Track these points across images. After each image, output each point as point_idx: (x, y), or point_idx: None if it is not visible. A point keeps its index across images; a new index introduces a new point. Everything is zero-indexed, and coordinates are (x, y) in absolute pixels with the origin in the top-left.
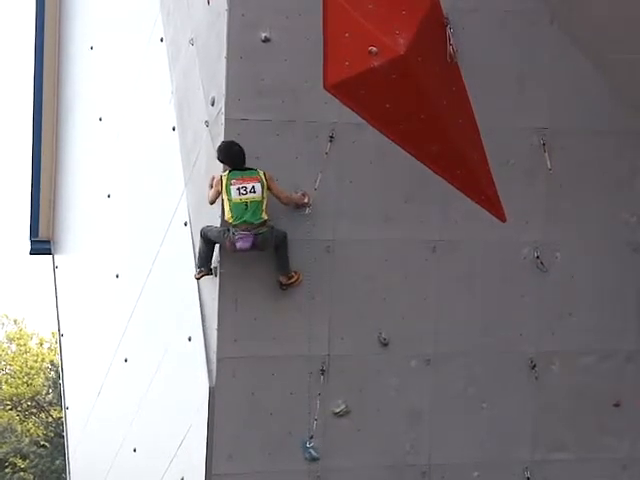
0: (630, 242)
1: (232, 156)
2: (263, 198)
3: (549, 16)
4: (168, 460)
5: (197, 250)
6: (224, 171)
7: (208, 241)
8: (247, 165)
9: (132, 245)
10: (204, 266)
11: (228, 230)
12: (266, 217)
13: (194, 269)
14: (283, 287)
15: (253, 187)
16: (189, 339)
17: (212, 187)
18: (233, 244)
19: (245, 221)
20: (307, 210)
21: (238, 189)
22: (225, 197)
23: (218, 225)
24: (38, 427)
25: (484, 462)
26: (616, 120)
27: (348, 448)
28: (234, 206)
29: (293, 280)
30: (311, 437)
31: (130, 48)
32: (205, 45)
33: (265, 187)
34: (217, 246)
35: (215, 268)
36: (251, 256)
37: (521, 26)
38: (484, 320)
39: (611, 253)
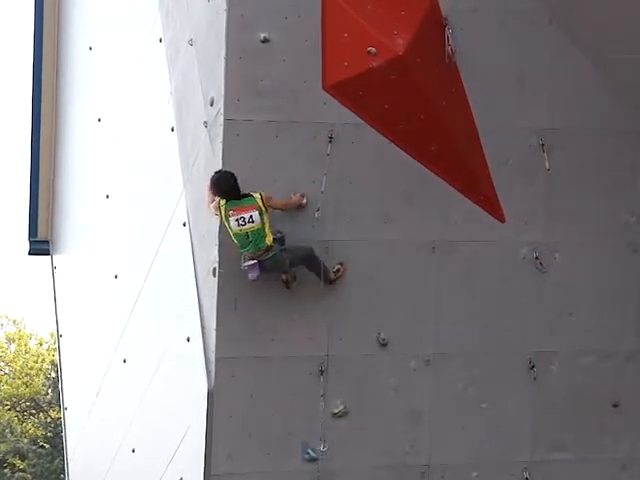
0: (630, 242)
1: (226, 191)
2: (264, 224)
3: (548, 16)
4: (167, 460)
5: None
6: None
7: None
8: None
9: (131, 246)
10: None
11: (242, 261)
12: (270, 242)
13: (193, 270)
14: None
15: (251, 217)
16: (188, 339)
17: (211, 194)
18: (247, 275)
19: (249, 250)
20: (316, 214)
21: (237, 220)
22: (226, 225)
23: (217, 226)
24: (37, 428)
25: (483, 462)
26: (616, 120)
27: (347, 448)
28: (236, 236)
29: (340, 273)
30: (321, 439)
31: (129, 49)
32: (204, 45)
33: (264, 213)
34: (216, 247)
35: (214, 269)
36: None
37: (520, 26)
38: (483, 320)
39: (611, 253)
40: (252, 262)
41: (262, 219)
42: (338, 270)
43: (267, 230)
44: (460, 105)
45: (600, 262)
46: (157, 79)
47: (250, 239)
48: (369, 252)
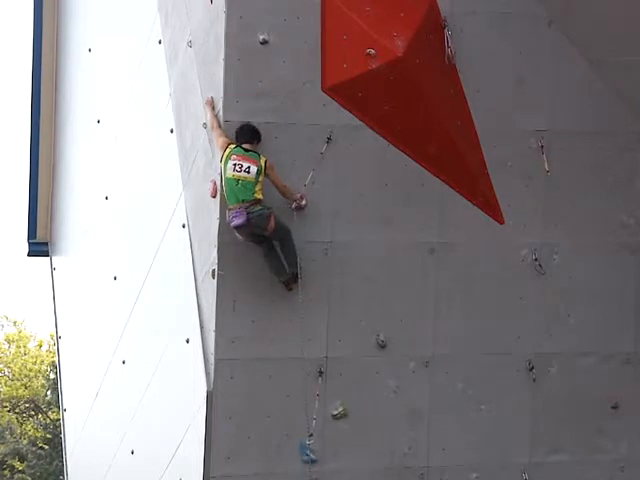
0: (628, 244)
1: (241, 131)
2: (257, 182)
3: (548, 18)
4: (166, 462)
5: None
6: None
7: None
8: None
9: (130, 247)
10: (281, 275)
11: (228, 215)
12: (260, 197)
13: (192, 271)
14: (289, 288)
15: (249, 167)
16: (187, 341)
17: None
18: (230, 225)
19: (237, 199)
20: (293, 205)
21: (234, 164)
22: (222, 168)
23: (217, 227)
24: (36, 429)
25: (482, 464)
26: (615, 122)
27: (346, 450)
28: (227, 181)
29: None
30: (310, 435)
31: (128, 50)
32: (203, 47)
33: (261, 172)
34: (216, 249)
35: (213, 270)
36: (249, 258)
37: (520, 28)
38: (482, 322)
39: (609, 255)
40: (239, 210)
41: (257, 177)
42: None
43: (257, 188)
44: (459, 107)
45: (599, 264)
46: (156, 80)
47: (238, 187)
48: (368, 253)
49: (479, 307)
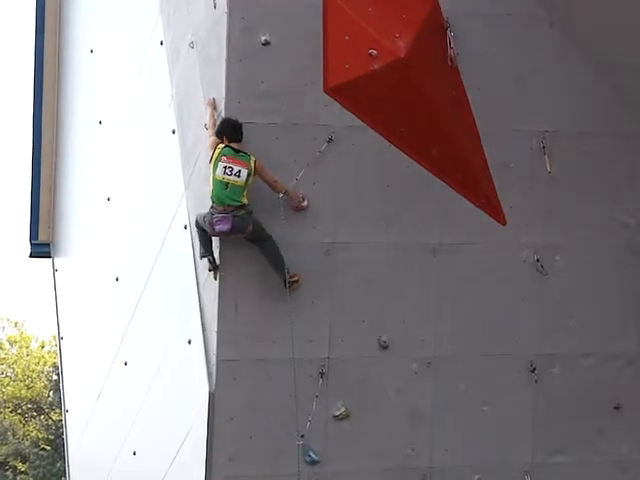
0: (630, 245)
1: (231, 127)
2: (246, 185)
3: (549, 19)
4: (168, 463)
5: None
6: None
7: (201, 229)
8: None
9: (132, 248)
10: (209, 254)
11: (210, 213)
12: (245, 202)
13: (194, 272)
14: (288, 286)
15: (239, 171)
16: (189, 342)
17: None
18: (213, 227)
19: (223, 203)
20: (280, 195)
21: (225, 167)
22: (211, 169)
23: None
24: (39, 430)
25: (485, 465)
26: (616, 122)
27: (348, 451)
28: (215, 182)
29: (295, 279)
30: (302, 436)
31: (130, 51)
32: (205, 48)
33: (251, 175)
34: (217, 250)
35: (215, 272)
36: (251, 259)
37: (521, 29)
38: (484, 323)
39: (611, 256)
40: (225, 214)
41: (247, 180)
42: (293, 276)
43: (245, 192)
44: (461, 108)
45: (600, 264)
46: (158, 81)
47: (227, 190)
48: (370, 254)
49: (481, 308)
